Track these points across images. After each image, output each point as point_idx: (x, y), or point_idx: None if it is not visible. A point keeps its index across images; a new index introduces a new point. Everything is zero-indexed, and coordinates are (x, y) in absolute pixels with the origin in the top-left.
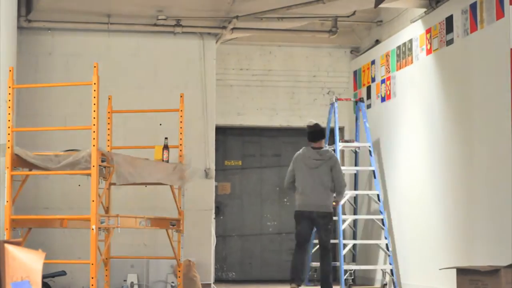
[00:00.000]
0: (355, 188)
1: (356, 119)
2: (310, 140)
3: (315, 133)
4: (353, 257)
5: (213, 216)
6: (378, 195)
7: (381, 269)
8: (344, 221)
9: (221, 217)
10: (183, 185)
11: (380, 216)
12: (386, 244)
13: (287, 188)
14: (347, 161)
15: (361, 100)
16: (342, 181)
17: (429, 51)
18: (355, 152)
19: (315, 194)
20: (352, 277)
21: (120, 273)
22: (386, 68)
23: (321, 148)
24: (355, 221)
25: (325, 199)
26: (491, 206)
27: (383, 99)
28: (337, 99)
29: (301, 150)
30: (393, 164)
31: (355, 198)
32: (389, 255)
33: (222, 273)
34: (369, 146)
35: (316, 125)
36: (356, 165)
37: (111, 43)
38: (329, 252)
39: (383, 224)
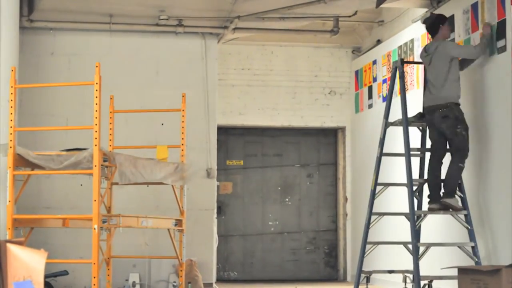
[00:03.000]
0: (420, 176)
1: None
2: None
3: (430, 26)
4: None
5: (215, 215)
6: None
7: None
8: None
9: (223, 217)
10: (185, 184)
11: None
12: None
13: None
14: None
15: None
16: (468, 51)
17: None
18: (422, 131)
19: (435, 88)
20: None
21: (122, 272)
22: (388, 68)
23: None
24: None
25: (447, 90)
26: (492, 205)
27: (384, 99)
28: (403, 61)
29: None
30: (393, 163)
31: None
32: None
33: (224, 272)
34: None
35: (430, 17)
36: (422, 146)
37: (113, 43)
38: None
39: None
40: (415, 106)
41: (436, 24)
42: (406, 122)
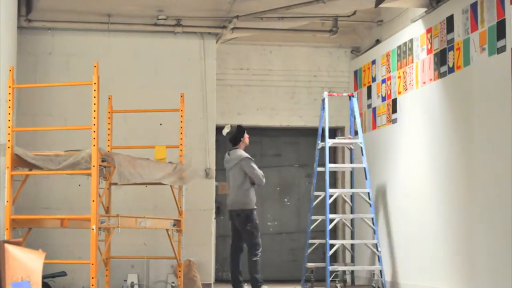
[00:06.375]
0: (352, 186)
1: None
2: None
3: (233, 139)
4: (352, 258)
5: (214, 216)
6: (368, 193)
7: (370, 270)
8: (332, 220)
9: (221, 217)
10: (183, 185)
11: (370, 215)
12: (376, 244)
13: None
14: (341, 158)
15: (353, 95)
16: (257, 176)
17: (429, 51)
18: (350, 150)
19: (233, 194)
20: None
21: (121, 273)
22: (387, 68)
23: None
24: (352, 220)
25: (240, 197)
26: (491, 209)
27: (383, 99)
28: (328, 95)
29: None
30: (394, 164)
31: (352, 197)
32: (378, 256)
33: (223, 273)
34: (360, 143)
35: (231, 131)
36: (351, 162)
37: (111, 43)
38: (251, 251)
39: (373, 224)
40: (414, 105)
41: (237, 137)
42: None
